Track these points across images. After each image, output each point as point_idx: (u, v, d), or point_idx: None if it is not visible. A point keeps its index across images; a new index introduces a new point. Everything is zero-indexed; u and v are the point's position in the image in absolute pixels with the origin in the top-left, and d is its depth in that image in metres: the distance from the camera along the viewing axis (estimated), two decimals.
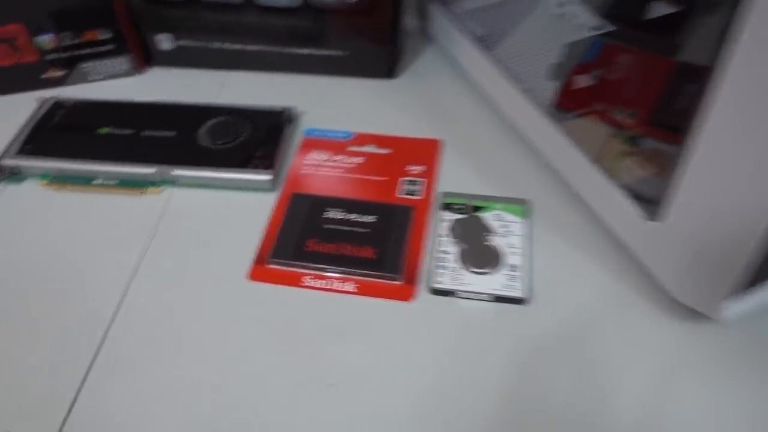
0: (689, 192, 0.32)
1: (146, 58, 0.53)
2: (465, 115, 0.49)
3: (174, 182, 0.43)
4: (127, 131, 0.46)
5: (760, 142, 0.27)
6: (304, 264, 0.38)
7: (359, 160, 0.45)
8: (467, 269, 0.38)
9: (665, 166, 0.34)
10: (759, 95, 0.26)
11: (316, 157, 0.46)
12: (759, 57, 0.25)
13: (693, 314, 0.35)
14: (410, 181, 0.44)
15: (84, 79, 0.52)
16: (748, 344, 0.35)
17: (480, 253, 0.38)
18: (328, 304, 0.36)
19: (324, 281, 0.38)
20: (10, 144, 0.45)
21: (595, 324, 0.35)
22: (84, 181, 0.44)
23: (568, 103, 0.47)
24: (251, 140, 0.45)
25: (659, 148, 0.40)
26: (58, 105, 0.48)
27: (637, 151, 0.43)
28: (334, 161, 0.45)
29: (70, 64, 0.51)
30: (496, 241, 0.39)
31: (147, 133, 0.45)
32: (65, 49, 0.50)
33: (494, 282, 0.37)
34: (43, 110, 0.48)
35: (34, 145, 0.45)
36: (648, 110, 0.47)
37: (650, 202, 0.36)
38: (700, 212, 0.32)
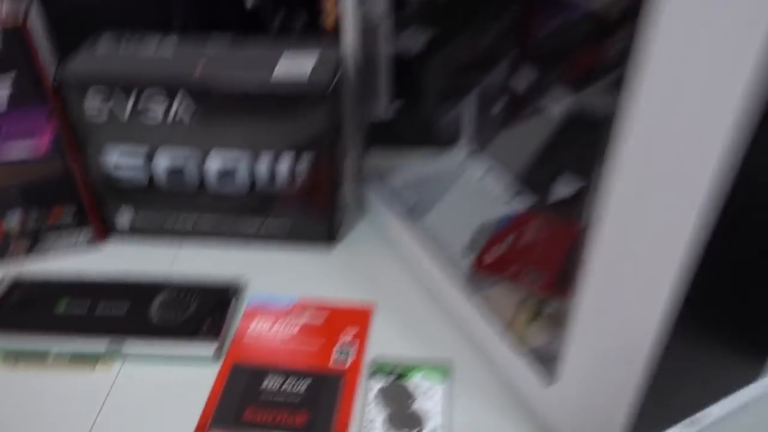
0: (576, 350, 0.37)
1: (105, 231, 0.58)
2: (394, 281, 0.54)
3: (124, 356, 0.47)
4: (82, 308, 0.49)
5: (623, 304, 0.32)
6: None
7: (298, 327, 0.49)
8: None
9: (563, 326, 0.39)
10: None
11: (259, 326, 0.50)
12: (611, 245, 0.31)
13: None
14: (343, 347, 0.48)
15: (46, 252, 0.57)
16: None
17: (403, 420, 0.42)
18: None
19: None
20: None
21: None
22: (37, 357, 0.47)
23: (485, 269, 0.53)
24: (198, 314, 0.49)
25: (561, 309, 0.46)
26: (17, 283, 0.52)
27: (543, 314, 0.49)
28: (276, 330, 0.49)
29: (33, 239, 0.56)
30: (420, 405, 0.43)
31: (101, 307, 0.49)
32: (31, 225, 0.55)
33: None
34: (3, 287, 0.51)
35: None
36: (554, 272, 0.53)
37: (553, 364, 0.41)
38: (585, 371, 0.37)
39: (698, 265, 0.29)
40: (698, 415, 0.41)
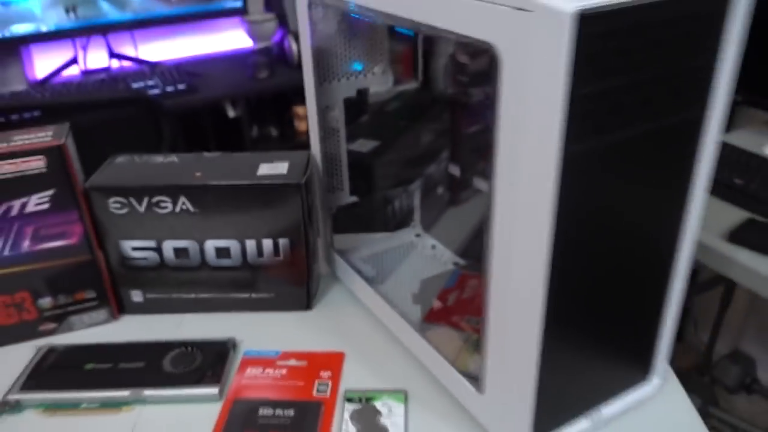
0: (490, 368, 0.50)
1: (120, 308, 0.70)
2: (362, 333, 0.67)
3: (144, 400, 0.58)
4: (107, 365, 0.61)
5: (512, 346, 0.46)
6: None
7: (284, 371, 0.61)
8: None
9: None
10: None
11: (253, 371, 0.61)
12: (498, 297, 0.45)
13: None
14: (321, 384, 0.59)
15: (71, 328, 0.68)
16: None
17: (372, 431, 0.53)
18: None
19: None
20: (14, 382, 0.59)
21: None
22: (72, 406, 0.57)
23: (434, 318, 0.66)
24: (203, 364, 0.61)
25: None
26: (51, 350, 0.63)
27: (479, 349, 0.61)
28: (266, 373, 0.61)
29: (61, 318, 0.67)
30: (385, 421, 0.55)
31: (122, 365, 0.61)
32: (59, 307, 0.67)
33: None
34: (39, 355, 0.63)
35: (34, 381, 0.59)
36: None
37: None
38: (497, 382, 0.49)
39: (556, 296, 0.43)
40: (592, 412, 0.53)
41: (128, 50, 1.85)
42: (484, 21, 0.38)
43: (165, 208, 0.64)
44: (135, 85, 1.59)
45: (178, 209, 0.64)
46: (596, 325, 0.49)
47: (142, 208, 0.64)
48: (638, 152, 0.42)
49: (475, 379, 0.54)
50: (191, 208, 0.64)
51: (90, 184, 0.64)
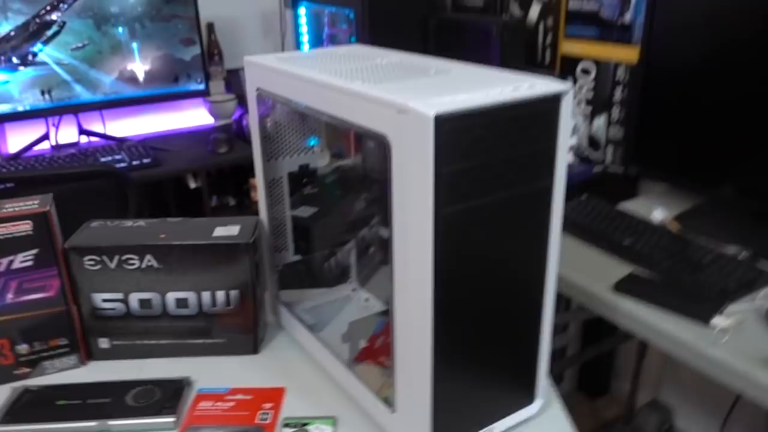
0: (398, 391, 0.61)
1: (89, 354, 0.80)
2: (301, 372, 0.78)
3: (109, 430, 0.67)
4: (76, 401, 0.70)
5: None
6: None
7: (232, 403, 0.71)
8: None
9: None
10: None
11: (205, 405, 0.71)
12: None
13: None
14: (264, 412, 0.70)
15: (43, 372, 0.77)
16: None
17: None
18: None
19: None
20: None
21: None
22: None
23: (363, 357, 0.78)
24: (162, 399, 0.70)
25: None
26: (26, 391, 0.72)
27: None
28: (217, 406, 0.71)
29: (35, 363, 0.76)
30: None
31: (90, 401, 0.70)
32: (34, 353, 0.76)
33: None
34: (15, 395, 0.71)
35: (11, 416, 0.68)
36: None
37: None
38: (404, 402, 0.61)
39: (442, 330, 0.56)
40: (485, 429, 0.65)
41: (97, 127, 1.98)
42: (379, 119, 0.52)
43: (133, 264, 0.75)
44: (103, 159, 1.71)
45: (144, 265, 0.75)
46: (481, 354, 0.61)
47: (113, 265, 0.75)
48: (501, 212, 0.56)
49: (390, 402, 0.65)
50: (156, 265, 0.75)
51: (69, 244, 0.75)
